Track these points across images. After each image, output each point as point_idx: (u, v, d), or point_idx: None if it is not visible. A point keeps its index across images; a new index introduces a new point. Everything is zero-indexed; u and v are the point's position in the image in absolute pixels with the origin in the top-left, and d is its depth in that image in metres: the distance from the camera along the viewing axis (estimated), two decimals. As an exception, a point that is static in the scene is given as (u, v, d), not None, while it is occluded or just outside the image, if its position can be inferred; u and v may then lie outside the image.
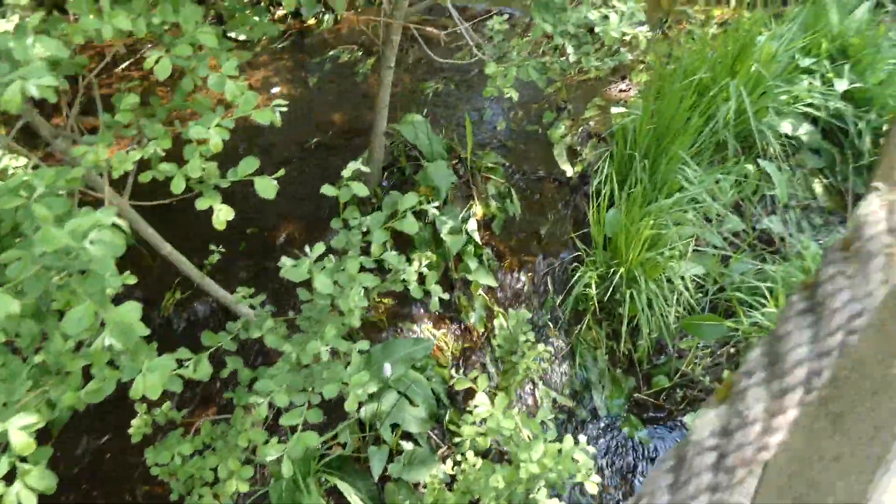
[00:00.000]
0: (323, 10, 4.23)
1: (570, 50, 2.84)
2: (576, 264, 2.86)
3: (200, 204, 1.67)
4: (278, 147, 3.39)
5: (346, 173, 1.84)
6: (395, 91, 3.16)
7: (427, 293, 2.00)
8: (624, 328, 2.70)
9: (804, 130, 2.72)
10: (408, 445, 2.36)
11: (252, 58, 4.08)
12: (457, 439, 2.23)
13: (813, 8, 2.93)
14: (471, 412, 2.11)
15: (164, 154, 1.74)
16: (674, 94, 2.51)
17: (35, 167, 1.81)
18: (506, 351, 2.59)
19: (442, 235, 2.73)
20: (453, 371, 2.61)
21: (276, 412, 1.96)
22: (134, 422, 2.02)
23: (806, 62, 2.65)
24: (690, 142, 2.60)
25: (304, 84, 3.81)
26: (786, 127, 2.69)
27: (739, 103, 2.62)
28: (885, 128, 2.89)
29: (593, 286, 2.72)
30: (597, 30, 2.29)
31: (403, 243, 2.68)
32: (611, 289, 2.68)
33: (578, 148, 3.12)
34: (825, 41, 2.71)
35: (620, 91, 3.43)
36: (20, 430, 1.15)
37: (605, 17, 2.29)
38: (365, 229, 1.93)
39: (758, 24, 2.75)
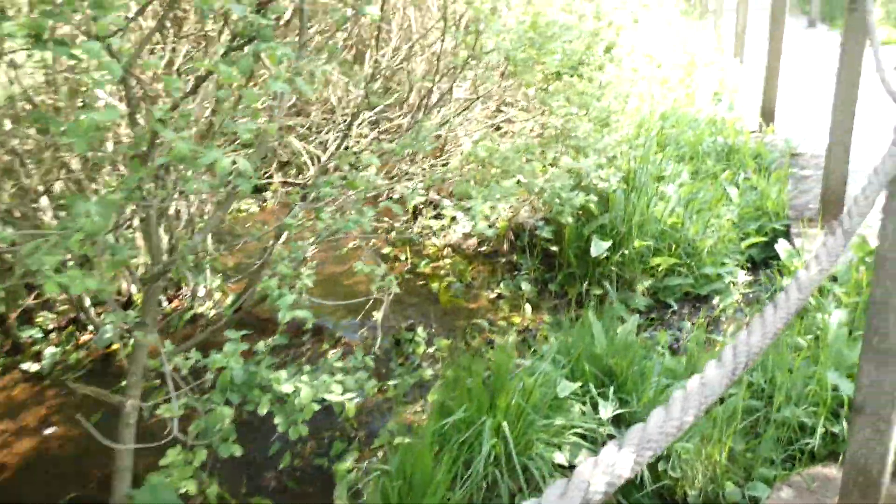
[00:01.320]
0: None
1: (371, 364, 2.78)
2: None
3: None
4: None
5: None
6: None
7: None
8: None
9: (582, 458, 2.65)
10: None
11: (41, 389, 3.83)
12: None
13: (579, 329, 3.04)
14: None
15: None
16: (425, 448, 2.41)
17: None
18: None
19: None
20: None
21: None
22: None
23: (566, 390, 2.66)
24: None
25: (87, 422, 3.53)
26: (559, 457, 2.61)
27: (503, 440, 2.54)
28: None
29: None
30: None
31: None
32: None
33: (360, 486, 2.89)
34: (588, 364, 2.76)
35: (414, 413, 3.33)
36: None
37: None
38: None
39: (510, 354, 2.80)
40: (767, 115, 5.57)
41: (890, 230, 1.61)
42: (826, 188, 3.89)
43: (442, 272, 4.57)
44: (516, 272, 4.31)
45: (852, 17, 3.46)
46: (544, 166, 3.45)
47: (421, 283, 4.49)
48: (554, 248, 4.14)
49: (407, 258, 4.28)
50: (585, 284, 3.80)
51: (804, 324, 2.98)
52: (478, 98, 4.10)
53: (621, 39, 4.56)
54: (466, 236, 4.69)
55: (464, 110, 4.13)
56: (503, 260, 4.56)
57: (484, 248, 4.74)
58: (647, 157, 4.43)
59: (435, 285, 4.33)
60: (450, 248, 4.84)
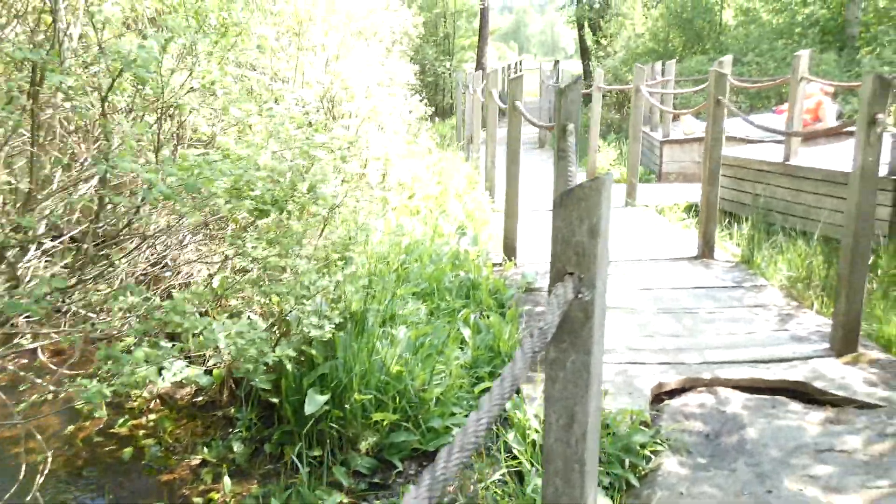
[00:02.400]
0: None
1: None
2: None
3: None
4: None
5: None
6: None
7: None
8: None
9: None
10: None
11: None
12: None
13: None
14: None
15: None
16: None
17: None
18: None
19: None
20: None
21: None
22: None
23: None
24: None
25: None
26: None
27: None
28: None
29: None
30: None
31: None
32: None
33: None
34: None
35: None
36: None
37: None
38: None
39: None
40: (509, 248, 5.70)
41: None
42: (552, 330, 3.86)
43: (143, 432, 3.83)
44: (231, 429, 3.71)
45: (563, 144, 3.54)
46: (231, 316, 3.00)
47: (113, 446, 3.71)
48: (274, 400, 3.63)
49: (103, 414, 3.48)
50: (302, 445, 3.31)
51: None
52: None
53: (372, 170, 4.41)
54: (179, 385, 4.03)
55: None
56: (220, 413, 3.95)
57: (200, 399, 4.09)
58: (379, 296, 4.18)
59: (129, 450, 3.59)
60: (159, 400, 4.12)
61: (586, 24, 27.10)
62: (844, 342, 3.82)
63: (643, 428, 3.15)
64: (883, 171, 5.57)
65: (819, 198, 6.23)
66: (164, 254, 4.24)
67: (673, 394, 3.66)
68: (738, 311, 4.54)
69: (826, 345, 3.93)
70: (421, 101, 10.58)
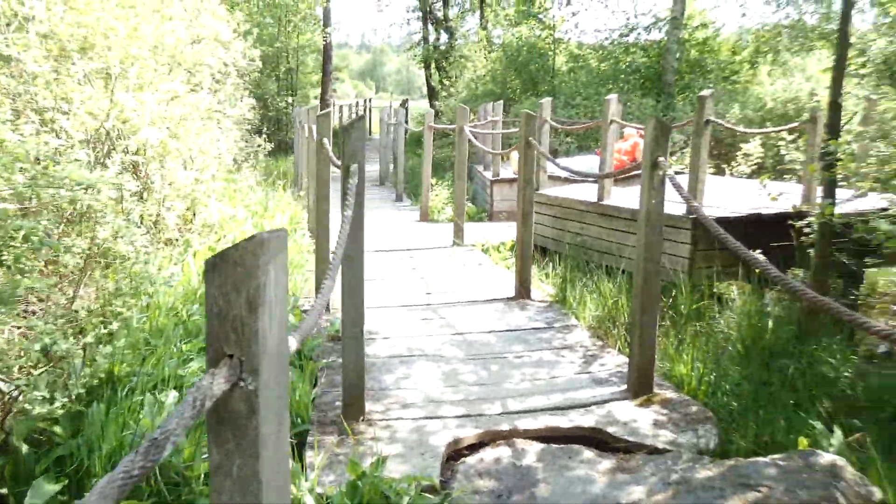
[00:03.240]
0: None
1: None
2: None
3: None
4: None
5: None
6: None
7: None
8: None
9: None
10: None
11: None
12: None
13: None
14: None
15: None
16: None
17: None
18: None
19: None
20: None
21: None
22: None
23: None
24: None
25: None
26: None
27: None
28: None
29: None
30: None
31: None
32: None
33: None
34: None
35: None
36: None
37: None
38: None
39: None
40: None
41: None
42: (345, 385, 3.56)
43: None
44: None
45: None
46: None
47: None
48: (2, 491, 3.03)
49: None
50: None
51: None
52: None
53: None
54: None
55: None
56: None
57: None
58: (159, 352, 3.68)
59: None
60: None
61: (433, 64, 27.73)
62: (640, 384, 3.83)
63: (429, 496, 2.90)
64: (682, 209, 5.85)
65: (626, 236, 6.45)
66: None
67: (472, 448, 3.46)
68: (546, 353, 4.48)
69: (624, 386, 3.92)
70: (262, 136, 10.09)
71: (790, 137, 11.72)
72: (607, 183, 7.07)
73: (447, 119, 18.47)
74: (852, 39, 4.78)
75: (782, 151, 11.76)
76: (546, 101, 8.19)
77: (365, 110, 26.77)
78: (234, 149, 7.91)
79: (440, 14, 26.96)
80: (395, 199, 12.21)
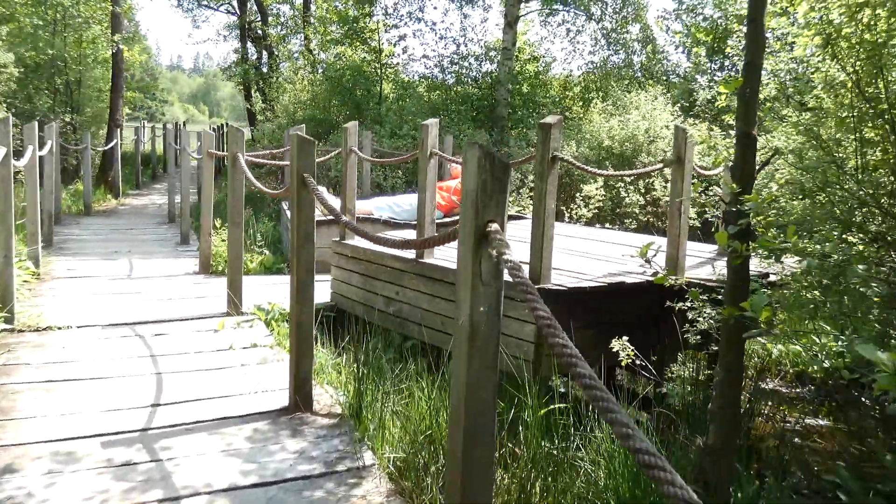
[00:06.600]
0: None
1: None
2: None
3: None
4: None
5: None
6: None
7: None
8: None
9: None
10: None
11: None
12: None
13: None
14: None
15: None
16: None
17: None
18: None
19: None
20: None
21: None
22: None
23: None
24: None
25: None
26: None
27: None
28: None
29: None
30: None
31: None
32: None
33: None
34: None
35: None
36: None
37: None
38: None
39: None
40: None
41: None
42: None
43: None
44: None
45: None
46: None
47: None
48: None
49: None
50: None
51: None
52: None
53: None
54: None
55: None
56: None
57: None
58: None
59: None
60: None
61: (253, 87, 25.34)
62: None
63: None
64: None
65: (453, 306, 4.81)
66: None
67: None
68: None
69: None
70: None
71: (629, 179, 11.05)
72: (429, 231, 5.42)
73: (260, 146, 16.27)
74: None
75: (622, 193, 10.99)
76: (352, 125, 6.41)
77: (175, 134, 23.72)
78: None
79: (260, 32, 24.74)
80: (180, 243, 9.87)
